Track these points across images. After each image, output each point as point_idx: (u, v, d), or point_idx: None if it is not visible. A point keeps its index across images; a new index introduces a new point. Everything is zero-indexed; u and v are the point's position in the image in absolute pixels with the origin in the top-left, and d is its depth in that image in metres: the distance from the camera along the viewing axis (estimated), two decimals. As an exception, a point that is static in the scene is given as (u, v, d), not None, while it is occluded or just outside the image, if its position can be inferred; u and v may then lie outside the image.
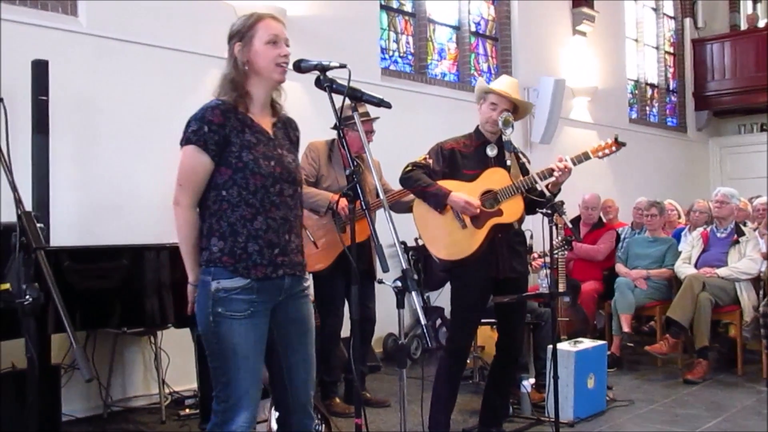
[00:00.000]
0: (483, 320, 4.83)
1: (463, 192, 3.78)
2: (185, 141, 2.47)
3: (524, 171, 3.88)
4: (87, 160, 4.90)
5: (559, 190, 3.81)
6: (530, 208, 3.87)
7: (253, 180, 2.44)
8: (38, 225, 2.10)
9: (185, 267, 2.53)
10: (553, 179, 3.74)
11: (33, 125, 4.24)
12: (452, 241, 3.81)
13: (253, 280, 2.44)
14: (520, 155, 3.90)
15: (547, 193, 3.66)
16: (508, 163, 3.82)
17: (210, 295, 2.43)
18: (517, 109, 3.90)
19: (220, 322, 2.42)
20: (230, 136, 2.45)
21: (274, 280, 2.49)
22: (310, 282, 2.70)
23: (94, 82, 4.93)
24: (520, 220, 3.88)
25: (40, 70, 4.27)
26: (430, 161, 3.88)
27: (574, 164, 3.79)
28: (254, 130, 2.51)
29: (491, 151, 3.88)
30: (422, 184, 3.80)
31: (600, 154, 3.87)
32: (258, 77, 2.53)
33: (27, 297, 2.04)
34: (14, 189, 2.10)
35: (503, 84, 3.93)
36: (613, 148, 3.87)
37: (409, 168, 3.90)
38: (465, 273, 3.82)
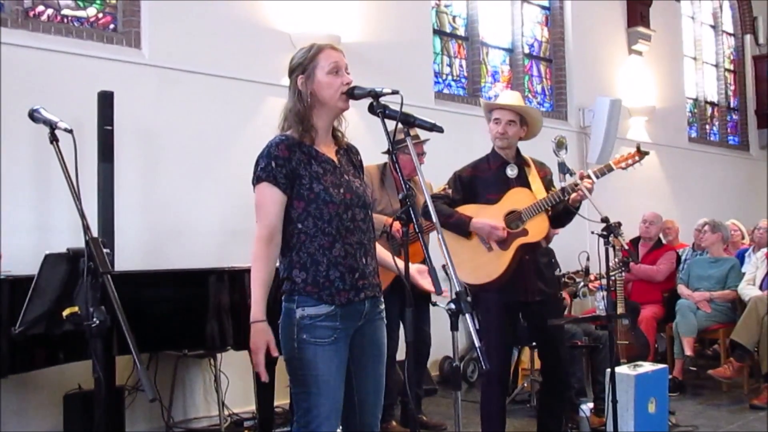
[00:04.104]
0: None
1: (486, 215, 3.76)
2: (256, 179, 2.51)
3: (548, 186, 3.86)
4: (150, 187, 5.05)
5: (580, 204, 3.75)
6: (558, 221, 3.83)
7: (327, 209, 2.48)
8: (105, 250, 2.17)
9: (252, 301, 2.47)
10: (575, 195, 3.69)
11: (99, 154, 4.39)
12: (478, 264, 3.77)
13: (337, 306, 2.47)
14: (547, 170, 3.91)
15: (576, 196, 3.63)
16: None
17: (295, 322, 2.46)
18: (525, 121, 3.87)
19: (304, 349, 2.44)
20: (298, 169, 2.48)
21: (356, 304, 2.52)
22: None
23: (156, 111, 5.09)
24: (547, 238, 3.85)
25: (105, 101, 4.43)
26: (449, 191, 3.89)
27: (597, 177, 3.73)
28: (320, 160, 2.54)
29: (511, 172, 3.85)
30: (444, 215, 3.79)
31: (623, 164, 3.83)
32: (322, 107, 2.57)
33: (94, 319, 2.11)
34: (82, 216, 2.17)
35: (502, 96, 3.93)
36: (636, 158, 3.82)
37: None
38: (491, 297, 3.76)
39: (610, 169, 3.81)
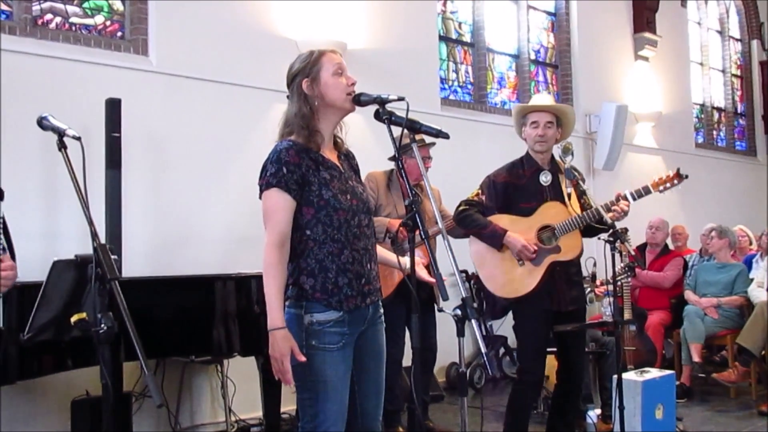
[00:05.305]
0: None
1: (520, 229, 3.74)
2: (266, 185, 2.48)
3: (581, 194, 3.83)
4: (157, 193, 5.06)
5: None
6: (589, 232, 3.82)
7: (336, 216, 2.49)
8: (112, 257, 2.17)
9: (268, 309, 2.41)
10: (611, 215, 3.67)
11: (106, 161, 4.41)
12: (510, 278, 3.77)
13: (345, 312, 2.48)
14: (580, 182, 3.86)
15: (609, 221, 3.61)
16: (569, 190, 3.78)
17: (303, 328, 2.46)
18: (560, 122, 3.86)
19: (313, 355, 2.44)
20: (307, 175, 2.48)
21: (362, 310, 2.54)
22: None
23: (164, 118, 5.11)
24: (579, 255, 3.82)
25: (113, 108, 4.45)
26: (483, 197, 3.86)
27: (634, 199, 3.71)
28: (327, 166, 2.54)
29: (545, 178, 3.83)
30: (478, 225, 3.79)
31: (661, 188, 3.78)
32: (328, 110, 2.57)
33: (102, 326, 2.12)
34: (90, 223, 2.18)
35: (536, 99, 3.92)
36: (675, 181, 3.76)
37: (463, 207, 3.89)
38: (526, 306, 3.78)
39: (648, 192, 3.76)
